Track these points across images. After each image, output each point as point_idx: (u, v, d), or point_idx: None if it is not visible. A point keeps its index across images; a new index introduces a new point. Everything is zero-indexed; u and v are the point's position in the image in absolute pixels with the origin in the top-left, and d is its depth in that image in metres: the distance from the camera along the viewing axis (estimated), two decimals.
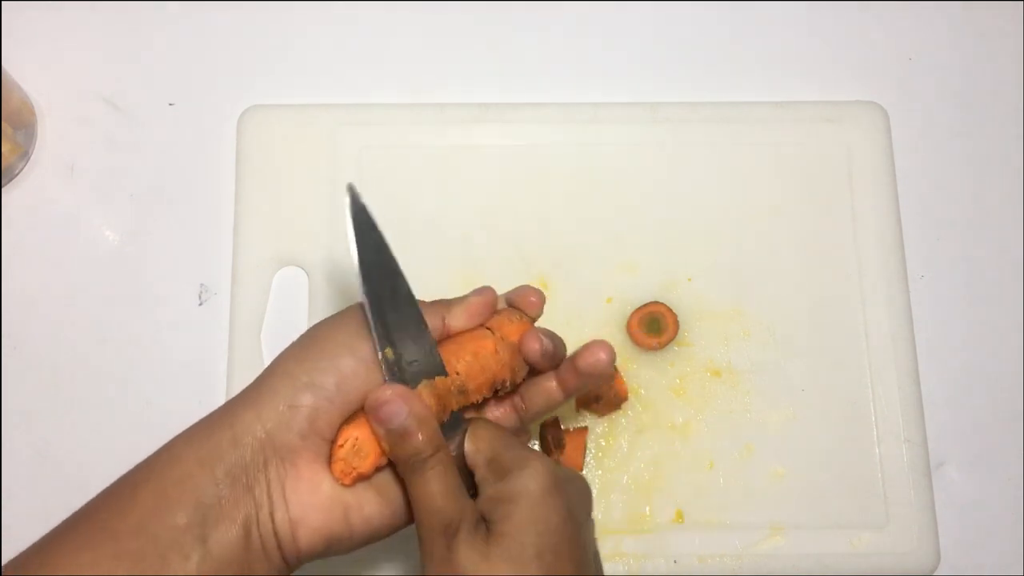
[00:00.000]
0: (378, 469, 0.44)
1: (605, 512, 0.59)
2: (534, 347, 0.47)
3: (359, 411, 0.44)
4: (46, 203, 0.66)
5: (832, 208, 0.65)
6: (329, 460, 0.43)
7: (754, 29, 0.71)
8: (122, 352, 0.63)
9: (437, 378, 0.45)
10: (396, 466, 0.44)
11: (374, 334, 0.44)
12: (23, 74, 0.66)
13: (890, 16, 0.71)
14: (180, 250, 0.65)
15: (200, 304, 0.64)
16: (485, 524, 0.42)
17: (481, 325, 0.48)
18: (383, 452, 0.43)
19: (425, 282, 0.62)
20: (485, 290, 0.49)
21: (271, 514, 0.41)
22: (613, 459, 0.60)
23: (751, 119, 0.67)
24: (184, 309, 0.64)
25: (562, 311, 0.62)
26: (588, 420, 0.60)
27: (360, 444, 0.43)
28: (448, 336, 0.47)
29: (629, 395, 0.61)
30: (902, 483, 0.60)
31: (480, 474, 0.44)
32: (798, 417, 0.61)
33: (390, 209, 0.64)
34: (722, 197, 0.65)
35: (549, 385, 0.49)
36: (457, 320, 0.47)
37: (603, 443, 0.60)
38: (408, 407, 0.42)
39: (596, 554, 0.46)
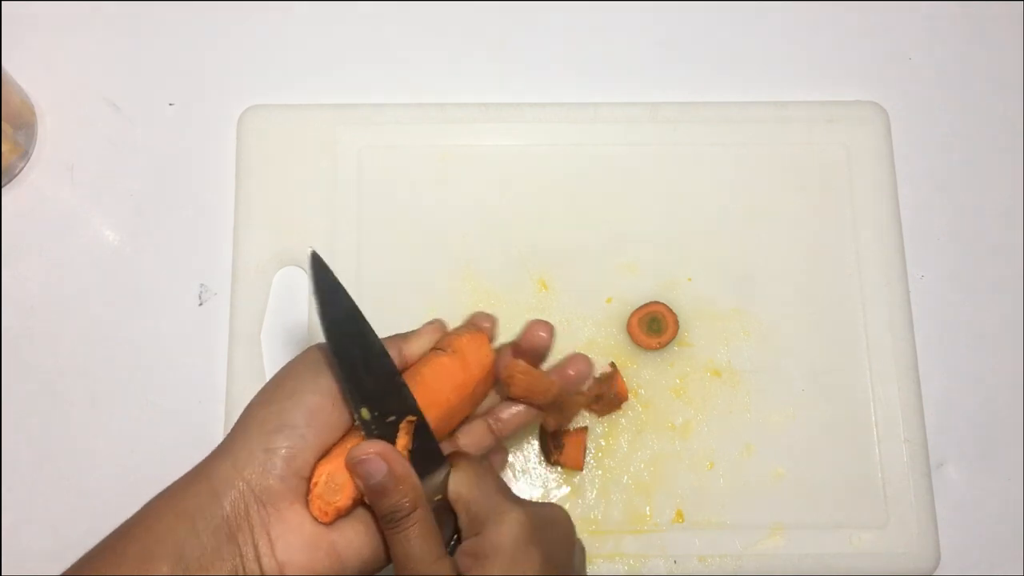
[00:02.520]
0: (356, 503, 0.44)
1: (605, 512, 0.59)
2: (541, 333, 0.49)
3: (331, 447, 0.44)
4: (46, 203, 0.66)
5: (832, 208, 0.65)
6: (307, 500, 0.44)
7: (754, 29, 0.71)
8: (122, 352, 0.63)
9: (409, 417, 0.45)
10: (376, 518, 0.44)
11: (348, 397, 0.44)
12: (23, 74, 0.66)
13: (890, 16, 0.71)
14: (180, 250, 0.65)
15: (200, 304, 0.64)
16: None
17: (435, 347, 0.48)
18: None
19: (425, 282, 0.63)
20: (434, 321, 0.50)
21: (257, 560, 0.42)
22: (613, 459, 0.60)
23: (751, 119, 0.67)
24: (184, 309, 0.64)
25: (562, 311, 0.62)
26: (588, 420, 0.60)
27: (332, 478, 0.43)
28: (407, 367, 0.48)
29: (629, 395, 0.61)
30: (902, 483, 0.60)
31: (461, 520, 0.45)
32: (798, 417, 0.61)
33: (390, 209, 0.64)
34: (722, 197, 0.65)
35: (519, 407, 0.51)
36: (413, 350, 0.48)
37: (603, 443, 0.60)
38: (387, 465, 0.43)
39: None
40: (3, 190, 0.65)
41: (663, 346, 0.62)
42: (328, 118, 0.66)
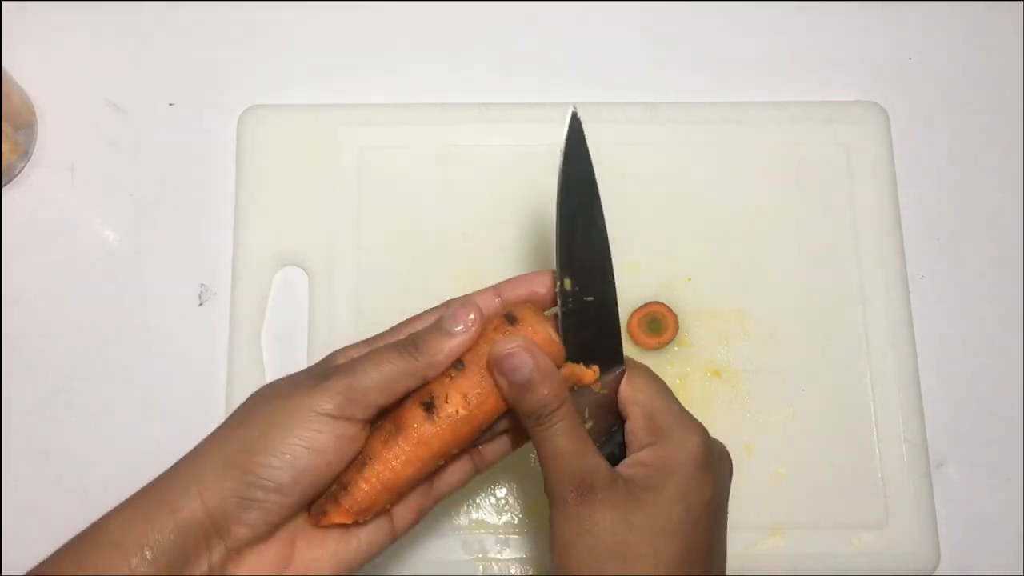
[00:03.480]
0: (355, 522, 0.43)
1: None
2: (547, 282, 0.46)
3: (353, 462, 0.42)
4: (46, 203, 0.66)
5: (832, 208, 0.65)
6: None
7: (754, 29, 0.71)
8: (122, 352, 0.63)
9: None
10: (519, 420, 0.43)
11: (557, 261, 0.43)
12: (23, 74, 0.66)
13: (890, 16, 0.71)
14: (180, 250, 0.65)
15: (200, 304, 0.64)
16: (627, 486, 0.41)
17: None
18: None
19: (425, 282, 0.63)
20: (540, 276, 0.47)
21: None
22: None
23: (751, 119, 0.67)
24: (184, 309, 0.64)
25: None
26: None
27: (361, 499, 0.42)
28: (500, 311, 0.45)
29: None
30: (902, 483, 0.60)
31: (633, 425, 0.43)
32: (798, 417, 0.61)
33: (390, 209, 0.64)
34: (722, 197, 0.65)
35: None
36: (512, 292, 0.46)
37: None
38: (533, 360, 0.41)
39: (725, 529, 0.45)
40: (3, 190, 0.65)
41: (663, 346, 0.62)
42: (328, 118, 0.66)
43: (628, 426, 0.44)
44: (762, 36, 0.71)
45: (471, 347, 0.43)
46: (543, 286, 0.46)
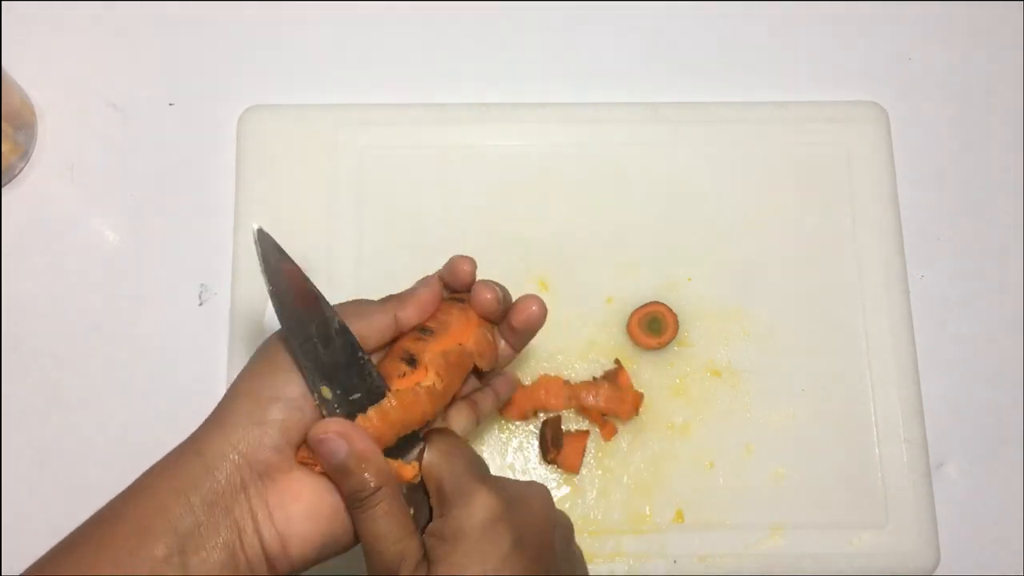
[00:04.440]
0: None
1: (605, 512, 0.59)
2: (487, 296, 0.47)
3: None
4: (46, 203, 0.66)
5: (832, 208, 0.65)
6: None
7: (754, 29, 0.71)
8: (122, 352, 0.63)
9: (382, 401, 0.43)
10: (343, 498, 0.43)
11: (306, 376, 0.42)
12: (23, 74, 0.66)
13: (890, 16, 0.71)
14: (180, 250, 0.65)
15: (200, 304, 0.64)
16: (428, 564, 0.41)
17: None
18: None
19: None
20: (430, 280, 0.49)
21: (257, 532, 0.41)
22: (613, 459, 0.60)
23: (751, 119, 0.67)
24: (184, 309, 0.64)
25: (562, 311, 0.62)
26: (589, 423, 0.60)
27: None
28: (402, 333, 0.47)
29: (627, 393, 0.61)
30: (902, 483, 0.60)
31: (432, 499, 0.43)
32: (798, 417, 0.61)
33: (390, 209, 0.64)
34: (722, 197, 0.65)
35: (499, 345, 0.49)
36: (408, 314, 0.47)
37: (603, 443, 0.60)
38: (348, 445, 0.41)
39: (561, 568, 0.44)
40: (3, 190, 0.65)
41: (663, 346, 0.62)
42: (328, 118, 0.66)
43: (430, 500, 0.44)
44: (762, 36, 0.71)
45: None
46: (459, 274, 0.48)
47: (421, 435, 0.45)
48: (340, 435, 0.41)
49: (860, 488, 0.60)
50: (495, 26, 0.71)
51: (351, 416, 0.43)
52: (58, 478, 0.61)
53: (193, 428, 0.44)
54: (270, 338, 0.45)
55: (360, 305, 0.46)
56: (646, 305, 0.63)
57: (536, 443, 0.60)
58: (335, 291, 0.62)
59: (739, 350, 0.62)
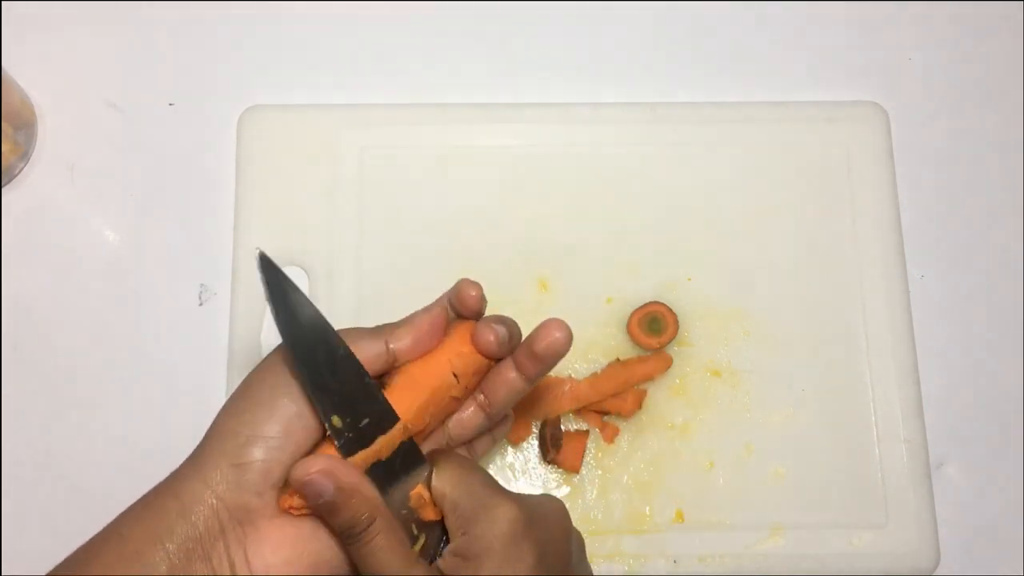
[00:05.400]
0: None
1: (605, 512, 0.59)
2: (489, 339, 0.44)
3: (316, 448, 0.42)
4: (46, 203, 0.66)
5: (832, 208, 0.65)
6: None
7: (754, 29, 0.71)
8: (122, 352, 0.63)
9: (380, 438, 0.42)
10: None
11: (315, 406, 0.41)
12: (23, 74, 0.66)
13: (890, 16, 0.71)
14: (180, 250, 0.65)
15: (200, 304, 0.64)
16: None
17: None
18: None
19: (425, 282, 0.63)
20: (432, 308, 0.46)
21: None
22: (613, 459, 0.60)
23: (751, 119, 0.67)
24: (184, 309, 0.64)
25: (562, 311, 0.62)
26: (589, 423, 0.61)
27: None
28: (395, 366, 0.45)
29: (627, 395, 0.61)
30: (902, 483, 0.60)
31: (448, 521, 0.42)
32: (798, 417, 0.61)
33: (390, 209, 0.64)
34: (722, 197, 0.65)
35: (509, 376, 0.46)
36: (403, 345, 0.44)
37: (603, 443, 0.60)
38: (333, 483, 0.40)
39: (580, 573, 0.44)
40: (3, 190, 0.65)
41: (663, 346, 0.62)
42: (328, 118, 0.66)
43: (446, 523, 0.43)
44: (762, 36, 0.71)
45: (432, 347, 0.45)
46: (468, 296, 0.46)
47: (423, 458, 0.44)
48: (324, 474, 0.40)
49: (860, 488, 0.60)
50: (495, 26, 0.71)
51: (364, 444, 0.42)
52: (58, 478, 0.61)
53: (192, 429, 0.44)
54: (251, 373, 0.43)
55: (352, 331, 0.44)
56: (646, 305, 0.63)
57: (536, 443, 0.60)
58: (335, 291, 0.62)
59: (739, 350, 0.62)
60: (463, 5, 0.71)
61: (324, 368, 0.42)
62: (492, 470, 0.59)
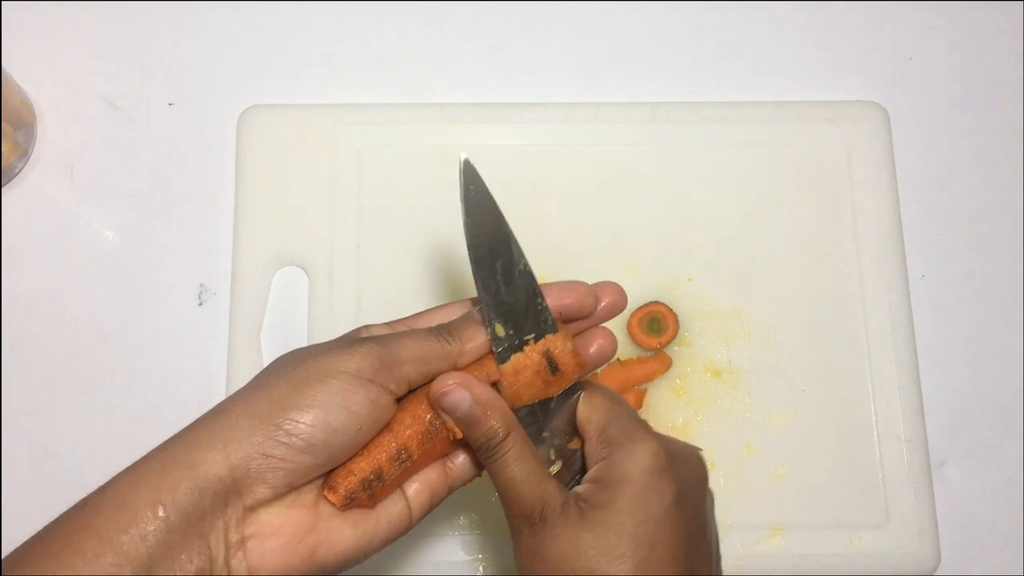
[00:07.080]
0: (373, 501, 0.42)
1: None
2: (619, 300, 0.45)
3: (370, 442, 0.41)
4: (46, 203, 0.66)
5: (832, 208, 0.65)
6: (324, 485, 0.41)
7: (754, 29, 0.71)
8: (122, 352, 0.63)
9: (530, 345, 0.42)
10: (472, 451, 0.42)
11: (484, 311, 0.42)
12: (23, 74, 0.66)
13: (890, 16, 0.71)
14: (180, 250, 0.65)
15: (200, 304, 0.64)
16: (578, 507, 0.41)
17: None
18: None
19: (424, 282, 0.63)
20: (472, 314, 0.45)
21: (227, 562, 0.38)
22: None
23: (751, 119, 0.67)
24: (184, 309, 0.64)
25: None
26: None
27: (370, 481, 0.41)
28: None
29: (627, 395, 0.61)
30: (902, 483, 0.60)
31: (589, 445, 0.43)
32: (798, 417, 0.61)
33: (390, 209, 0.64)
34: (722, 197, 0.65)
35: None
36: (566, 302, 0.44)
37: None
38: (471, 394, 0.41)
39: (706, 535, 0.43)
40: (3, 190, 0.65)
41: (663, 346, 0.62)
42: (328, 118, 0.66)
43: (585, 446, 0.43)
44: (762, 36, 0.71)
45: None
46: (571, 297, 0.45)
47: (580, 385, 0.44)
48: (460, 385, 0.41)
49: (860, 488, 0.60)
50: (495, 26, 0.71)
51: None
52: (57, 478, 0.61)
53: None
54: (306, 353, 0.42)
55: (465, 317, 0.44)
56: (646, 305, 0.63)
57: None
58: (335, 290, 0.62)
59: (739, 350, 0.62)
60: (463, 5, 0.71)
61: (501, 278, 0.43)
62: None
